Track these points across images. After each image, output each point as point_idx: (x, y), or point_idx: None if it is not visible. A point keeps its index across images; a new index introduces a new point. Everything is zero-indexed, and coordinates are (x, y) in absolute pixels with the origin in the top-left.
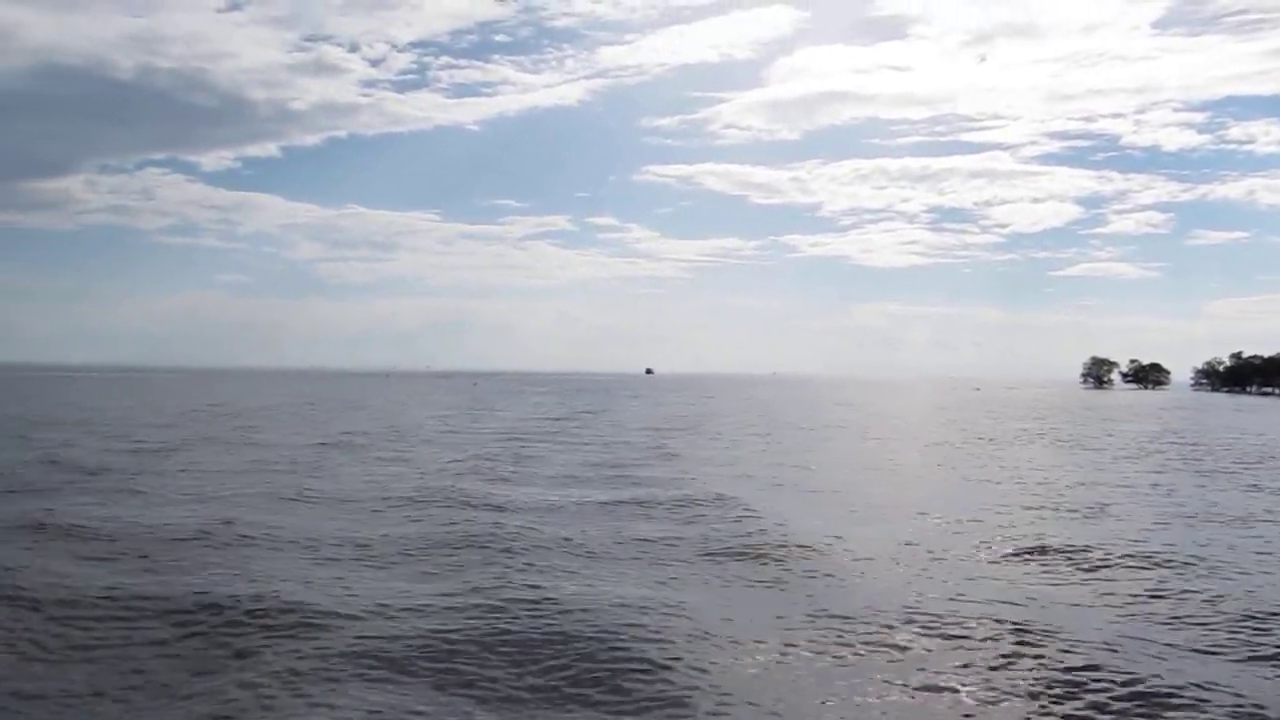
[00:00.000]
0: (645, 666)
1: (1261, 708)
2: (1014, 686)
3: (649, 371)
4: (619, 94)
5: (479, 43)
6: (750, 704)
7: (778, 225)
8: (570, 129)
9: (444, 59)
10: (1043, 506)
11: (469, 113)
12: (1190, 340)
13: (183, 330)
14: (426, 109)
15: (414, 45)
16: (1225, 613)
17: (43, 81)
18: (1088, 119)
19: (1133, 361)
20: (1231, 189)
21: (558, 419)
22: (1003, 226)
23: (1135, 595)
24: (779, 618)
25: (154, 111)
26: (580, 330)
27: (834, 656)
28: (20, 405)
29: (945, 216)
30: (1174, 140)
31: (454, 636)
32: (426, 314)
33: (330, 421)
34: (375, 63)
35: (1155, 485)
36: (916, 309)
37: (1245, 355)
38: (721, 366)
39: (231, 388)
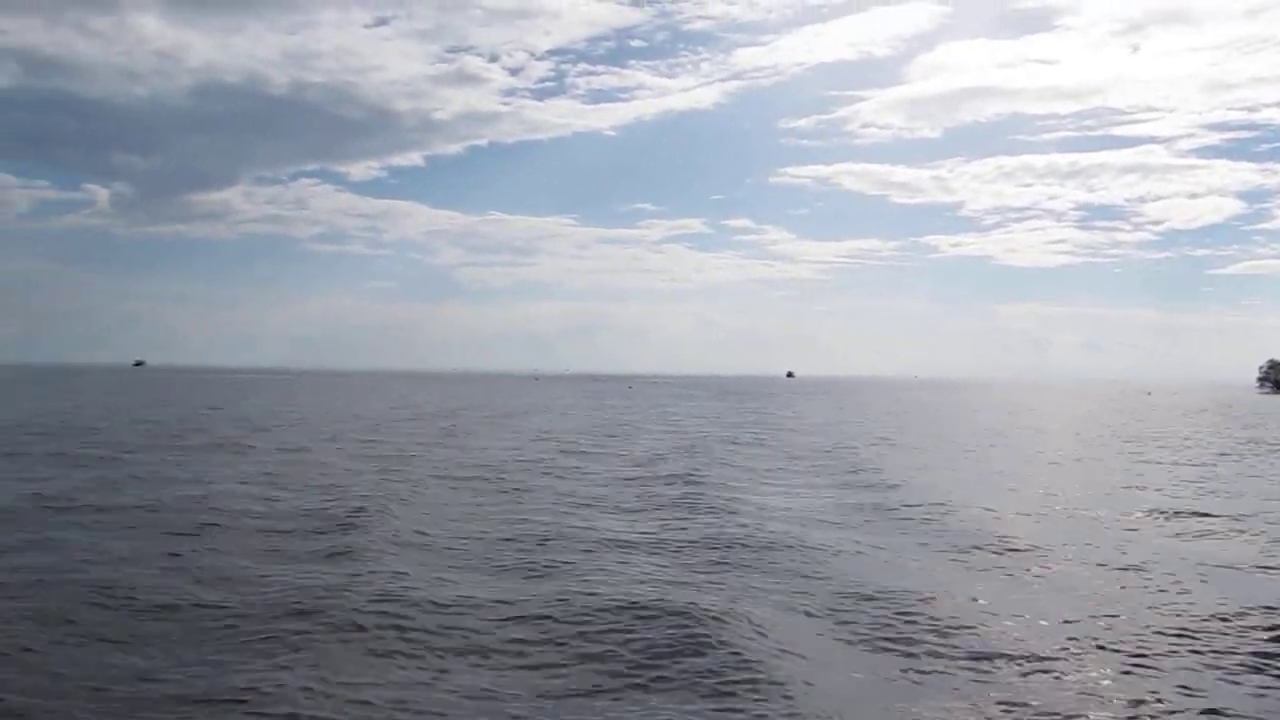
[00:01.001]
0: None
1: None
2: None
3: (790, 375)
4: (755, 95)
5: (615, 48)
6: None
7: (918, 225)
8: (706, 132)
9: (581, 65)
10: None
11: (606, 118)
12: None
13: (331, 334)
14: (565, 115)
15: (552, 53)
16: None
17: (205, 100)
18: (1250, 109)
19: None
20: None
21: (840, 424)
22: (1157, 224)
23: None
24: None
25: (306, 125)
26: (716, 333)
27: None
28: (236, 407)
29: (1095, 214)
30: None
31: None
32: (563, 317)
33: (608, 431)
34: (515, 71)
35: None
36: (1065, 310)
37: None
38: (860, 369)
39: (403, 389)
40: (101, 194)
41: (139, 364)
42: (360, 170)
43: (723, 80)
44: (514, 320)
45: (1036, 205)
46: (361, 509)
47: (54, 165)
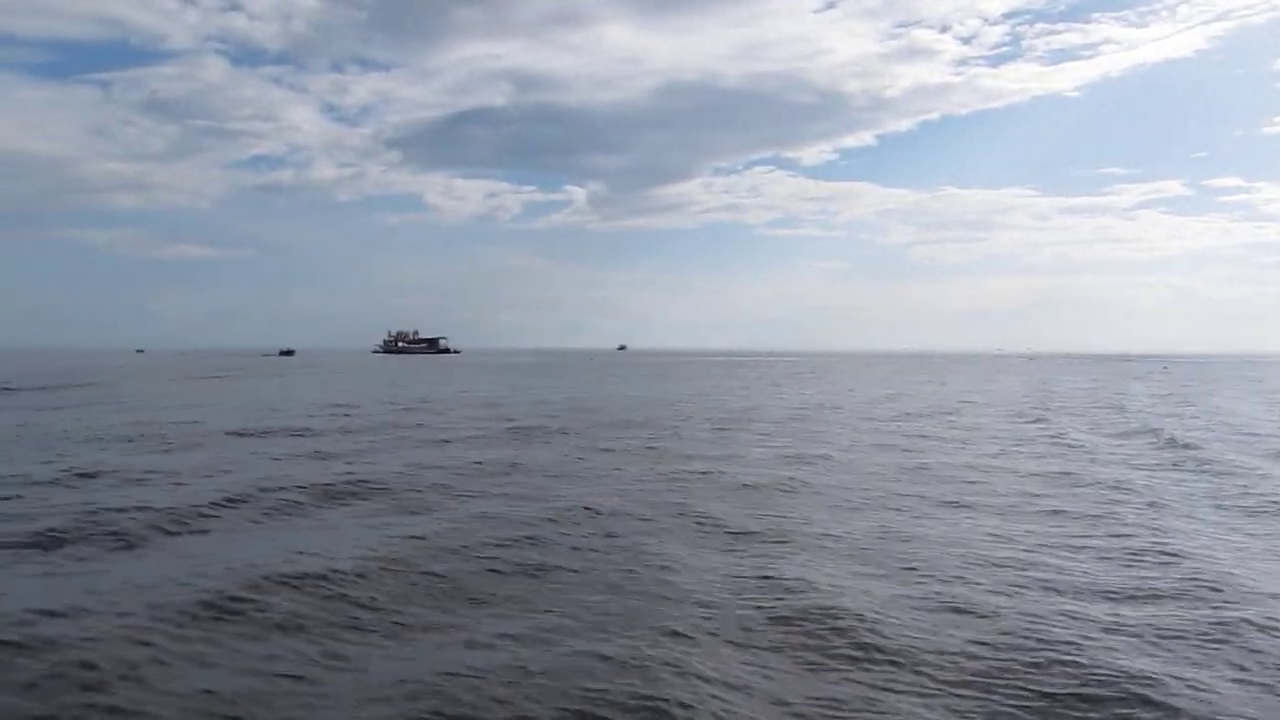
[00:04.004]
0: None
1: None
2: None
3: None
4: (1246, 36)
5: (1077, 3)
6: None
7: None
8: (1184, 83)
9: (1039, 25)
10: None
11: (1067, 79)
12: None
13: (786, 316)
14: (1021, 80)
15: (1007, 16)
16: None
17: (666, 99)
18: None
19: None
20: None
21: None
22: None
23: None
24: None
25: (759, 114)
26: (1199, 306)
27: None
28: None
29: None
30: None
31: None
32: (1022, 293)
33: None
34: (966, 40)
35: None
36: None
37: None
38: None
39: (919, 373)
40: (579, 193)
41: (621, 348)
42: (812, 154)
43: (1205, 23)
44: (968, 298)
45: None
46: None
47: (540, 171)
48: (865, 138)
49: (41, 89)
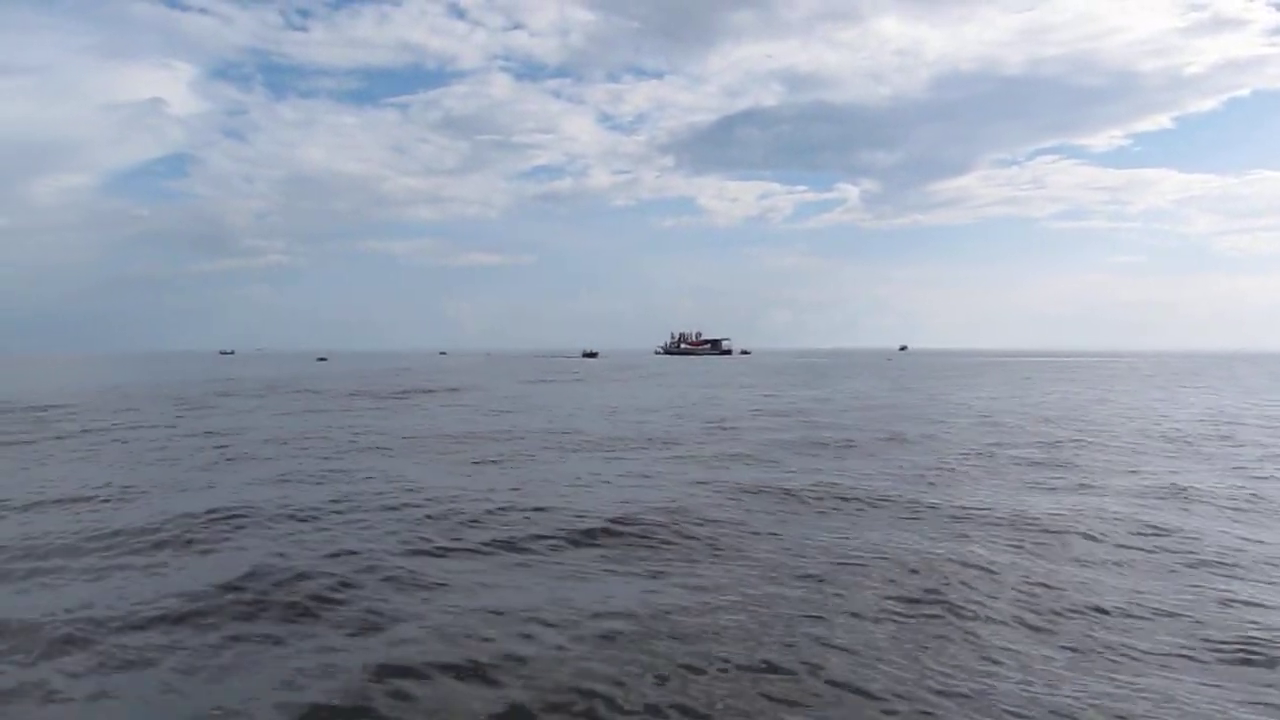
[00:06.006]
0: None
1: None
2: None
3: None
4: None
5: None
6: None
7: None
8: None
9: None
10: None
11: None
12: None
13: (1072, 313)
14: None
15: None
16: None
17: (942, 90)
18: None
19: None
20: None
21: None
22: None
23: None
24: None
25: (1043, 100)
26: None
27: None
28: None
29: None
30: None
31: None
32: None
33: None
34: None
35: None
36: None
37: None
38: None
39: None
40: (851, 191)
41: (903, 348)
42: (1102, 141)
43: None
44: None
45: None
46: None
47: (811, 170)
48: (1162, 120)
49: (352, 114)
